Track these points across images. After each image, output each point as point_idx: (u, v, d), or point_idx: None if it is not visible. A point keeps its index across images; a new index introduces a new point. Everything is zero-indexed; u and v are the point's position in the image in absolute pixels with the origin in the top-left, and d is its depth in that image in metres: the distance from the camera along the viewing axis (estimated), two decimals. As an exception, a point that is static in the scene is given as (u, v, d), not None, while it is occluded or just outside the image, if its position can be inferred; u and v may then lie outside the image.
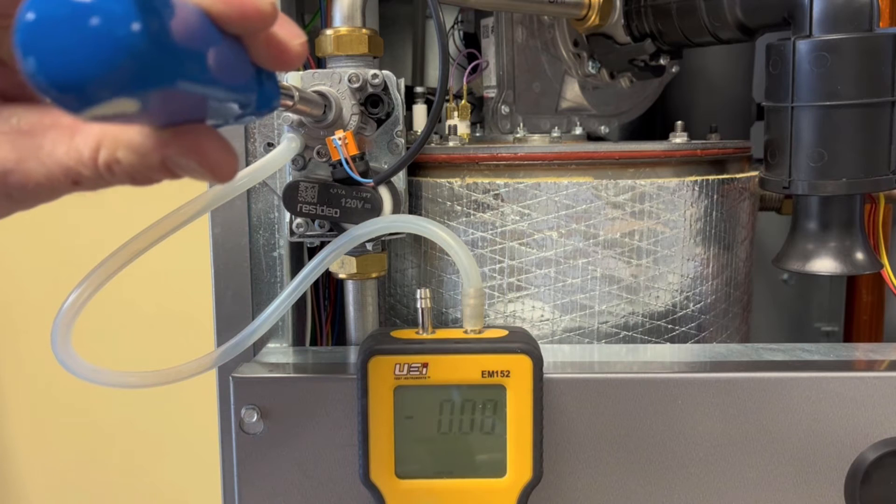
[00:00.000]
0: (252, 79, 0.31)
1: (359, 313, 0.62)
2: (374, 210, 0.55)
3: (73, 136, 0.29)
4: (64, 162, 0.29)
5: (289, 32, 0.32)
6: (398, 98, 0.58)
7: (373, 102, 0.58)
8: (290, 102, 0.45)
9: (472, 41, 0.80)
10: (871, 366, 0.56)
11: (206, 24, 0.28)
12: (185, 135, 0.28)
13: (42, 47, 0.22)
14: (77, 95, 0.23)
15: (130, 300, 1.22)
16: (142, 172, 0.29)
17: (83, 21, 0.22)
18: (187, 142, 0.28)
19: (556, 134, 0.75)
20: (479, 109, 0.79)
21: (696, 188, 0.63)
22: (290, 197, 0.56)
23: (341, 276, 0.60)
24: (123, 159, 0.28)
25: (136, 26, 0.23)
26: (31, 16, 0.23)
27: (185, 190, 0.54)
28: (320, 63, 0.62)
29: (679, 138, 0.66)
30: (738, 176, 0.67)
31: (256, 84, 0.32)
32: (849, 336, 0.97)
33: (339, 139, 0.54)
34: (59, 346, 0.45)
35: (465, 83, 0.74)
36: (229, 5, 0.28)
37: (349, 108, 0.57)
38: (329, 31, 0.58)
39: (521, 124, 0.74)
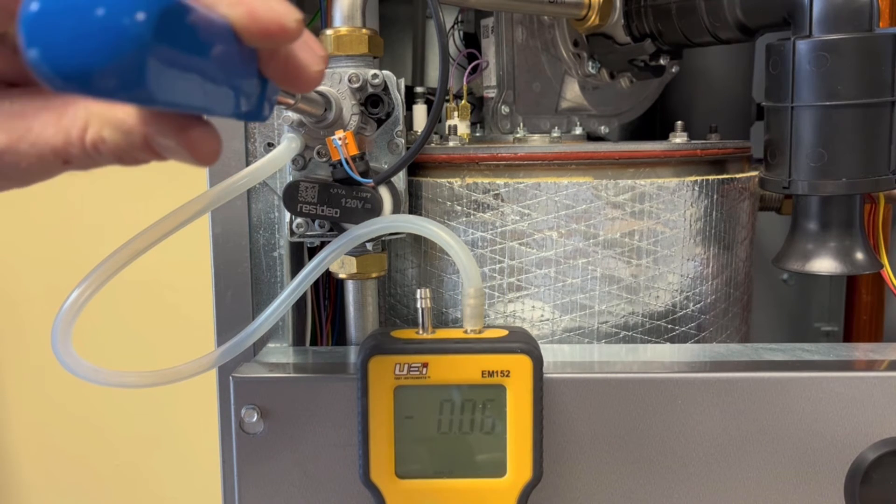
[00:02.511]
0: (255, 87, 0.31)
1: (359, 313, 0.62)
2: (374, 210, 0.55)
3: (61, 118, 0.30)
4: (53, 143, 0.30)
5: (309, 55, 0.32)
6: (398, 98, 0.58)
7: (373, 102, 0.58)
8: (291, 101, 0.45)
9: (472, 41, 0.80)
10: (871, 366, 0.56)
11: (224, 28, 0.28)
12: (169, 115, 0.29)
13: (46, 37, 0.22)
14: (81, 85, 0.23)
15: (131, 300, 1.22)
16: (126, 151, 0.29)
17: (88, 11, 0.22)
18: (170, 122, 0.29)
19: (556, 134, 0.75)
20: (479, 109, 0.79)
21: (696, 188, 0.63)
22: (290, 197, 0.56)
23: (341, 276, 0.60)
24: (109, 138, 0.29)
25: (140, 16, 0.23)
26: (35, 6, 0.22)
27: (186, 190, 0.54)
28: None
29: (679, 138, 0.66)
30: (738, 176, 0.67)
31: (258, 93, 0.32)
32: (849, 336, 0.97)
33: (339, 139, 0.54)
34: (60, 345, 0.45)
35: (465, 83, 0.74)
36: (253, 20, 0.28)
37: (349, 108, 0.57)
38: (329, 32, 0.58)
39: (521, 124, 0.74)
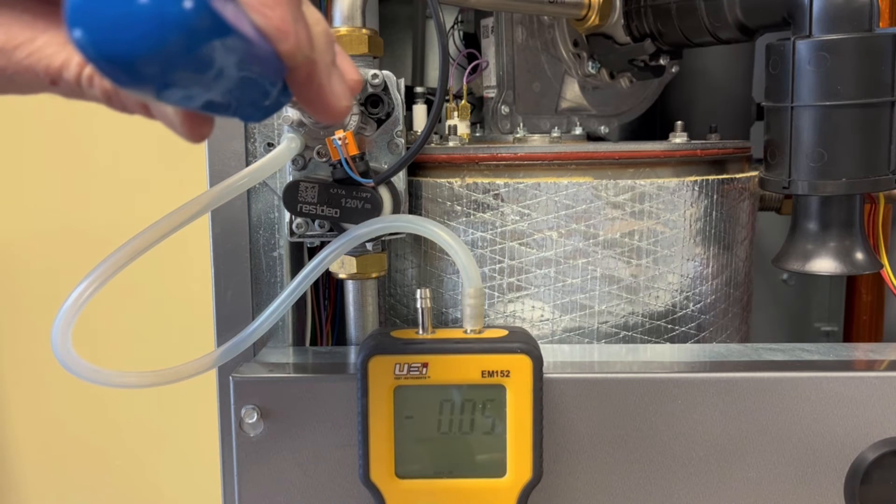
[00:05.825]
0: (274, 96, 0.31)
1: (359, 313, 0.62)
2: (374, 210, 0.55)
3: (67, 43, 0.30)
4: (50, 62, 0.30)
5: (341, 88, 0.33)
6: (398, 98, 0.58)
7: (373, 102, 0.58)
8: None
9: (472, 41, 0.80)
10: (871, 366, 0.56)
11: (252, 26, 0.28)
12: None
13: (91, 20, 0.22)
14: (123, 70, 0.23)
15: (131, 300, 1.22)
16: (118, 94, 0.29)
17: None
18: None
19: (556, 134, 0.75)
20: (479, 109, 0.79)
21: (696, 188, 0.63)
22: (290, 197, 0.56)
23: (341, 276, 0.60)
24: None
25: (188, 4, 0.22)
26: None
27: (186, 190, 0.54)
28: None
29: (679, 138, 0.66)
30: (737, 176, 0.67)
31: (274, 99, 0.32)
32: (849, 336, 0.97)
33: (339, 139, 0.54)
34: (60, 345, 0.45)
35: (465, 83, 0.74)
36: (265, 17, 0.29)
37: (349, 108, 0.57)
38: (329, 31, 0.58)
39: (521, 124, 0.74)
